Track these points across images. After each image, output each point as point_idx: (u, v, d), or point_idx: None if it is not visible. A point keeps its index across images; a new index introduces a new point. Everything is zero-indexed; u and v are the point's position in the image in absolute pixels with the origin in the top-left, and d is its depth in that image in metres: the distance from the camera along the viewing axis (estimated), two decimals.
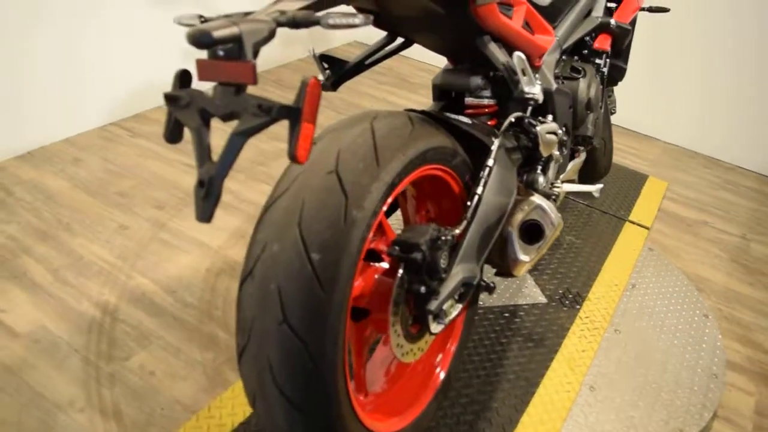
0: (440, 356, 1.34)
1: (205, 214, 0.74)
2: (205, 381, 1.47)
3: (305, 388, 0.89)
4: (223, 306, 1.69)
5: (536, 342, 1.65)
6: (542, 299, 1.81)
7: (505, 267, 1.28)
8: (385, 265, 1.12)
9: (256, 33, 0.74)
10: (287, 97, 2.98)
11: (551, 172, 1.43)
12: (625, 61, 1.82)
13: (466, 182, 1.22)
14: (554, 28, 1.46)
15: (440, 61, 3.42)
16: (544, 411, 1.46)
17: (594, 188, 1.44)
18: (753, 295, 2.08)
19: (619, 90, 2.72)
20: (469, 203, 1.15)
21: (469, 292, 1.14)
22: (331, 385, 0.91)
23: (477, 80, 1.29)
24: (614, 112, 2.13)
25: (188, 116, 0.77)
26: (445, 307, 1.08)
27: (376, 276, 1.10)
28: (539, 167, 1.38)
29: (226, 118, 0.76)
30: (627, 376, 1.61)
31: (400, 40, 1.30)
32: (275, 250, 0.88)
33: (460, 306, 1.14)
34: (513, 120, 1.26)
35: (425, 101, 3.17)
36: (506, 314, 1.74)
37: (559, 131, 1.37)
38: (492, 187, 1.17)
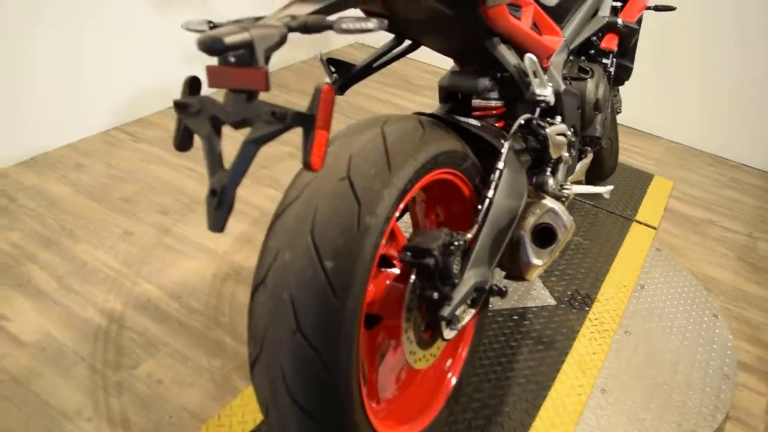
0: (451, 361, 1.32)
1: (217, 224, 0.73)
2: (213, 388, 1.46)
3: (319, 397, 0.88)
4: (229, 312, 1.68)
5: (546, 345, 1.64)
6: (551, 301, 1.80)
7: (517, 271, 1.26)
8: (396, 270, 1.11)
9: (268, 38, 0.73)
10: (290, 100, 2.97)
11: (560, 174, 1.42)
12: (632, 61, 1.81)
13: (476, 185, 1.21)
14: (561, 28, 1.45)
15: (444, 63, 3.40)
16: (556, 414, 1.45)
17: (604, 189, 1.43)
18: (761, 294, 2.07)
19: (622, 88, 2.71)
20: (479, 207, 1.14)
21: (482, 296, 1.13)
22: (345, 393, 0.90)
23: (484, 82, 1.27)
24: (620, 112, 2.11)
25: (199, 124, 0.76)
26: (457, 312, 1.07)
27: (387, 282, 1.09)
28: (549, 169, 1.37)
29: (237, 125, 0.75)
30: (638, 378, 1.60)
31: (407, 42, 1.28)
32: (287, 259, 0.87)
33: (472, 311, 1.13)
34: (522, 122, 1.25)
35: (429, 103, 3.15)
36: (515, 317, 1.72)
37: (568, 132, 1.36)
38: (503, 190, 1.16)
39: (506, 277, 1.38)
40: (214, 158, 0.75)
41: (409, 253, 1.03)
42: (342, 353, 0.87)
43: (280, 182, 2.31)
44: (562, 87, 1.38)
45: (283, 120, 0.70)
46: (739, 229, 2.44)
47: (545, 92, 1.15)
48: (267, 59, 0.73)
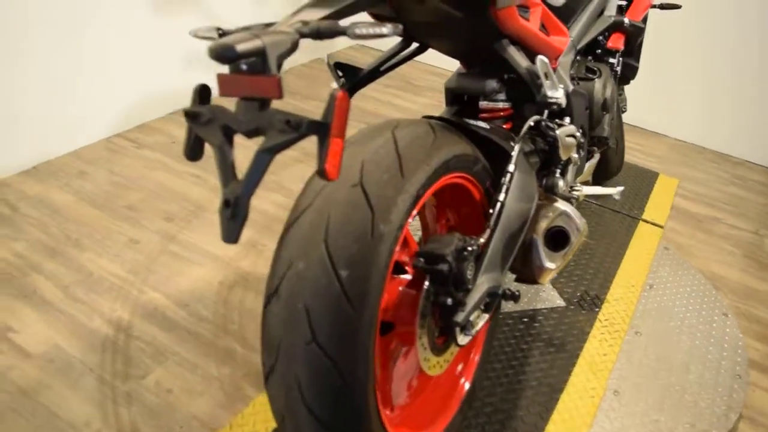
0: (464, 366, 1.31)
1: (232, 235, 0.72)
2: (223, 397, 1.44)
3: (335, 407, 0.87)
4: (238, 319, 1.67)
5: (557, 347, 1.63)
6: (560, 303, 1.79)
7: (530, 275, 1.25)
8: (408, 276, 1.09)
9: (280, 45, 0.72)
10: (293, 103, 2.96)
11: (570, 175, 1.41)
12: (637, 60, 1.80)
13: (487, 189, 1.20)
14: (568, 28, 1.44)
15: (445, 64, 3.39)
16: (569, 417, 1.44)
17: (615, 191, 1.42)
18: None
19: (625, 86, 2.70)
20: (491, 211, 1.12)
21: (495, 301, 1.12)
22: (362, 402, 0.89)
23: (492, 84, 1.26)
24: (625, 111, 2.11)
25: (210, 133, 0.75)
26: (471, 318, 1.06)
27: (400, 288, 1.08)
28: (558, 170, 1.36)
29: (250, 134, 0.74)
30: (650, 379, 1.59)
31: (414, 45, 1.27)
32: (301, 268, 0.86)
33: (486, 316, 1.12)
34: (532, 124, 1.23)
35: (430, 104, 3.14)
36: (525, 319, 1.71)
37: (577, 133, 1.35)
38: (514, 193, 1.15)
39: (517, 280, 1.37)
40: (226, 168, 0.74)
41: (422, 259, 1.02)
42: (358, 362, 0.86)
43: (287, 187, 2.30)
44: (571, 88, 1.37)
45: (297, 129, 0.69)
46: (745, 227, 2.43)
47: (557, 94, 1.14)
48: (279, 66, 0.72)
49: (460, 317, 1.03)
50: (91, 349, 1.53)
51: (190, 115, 0.75)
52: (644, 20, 1.72)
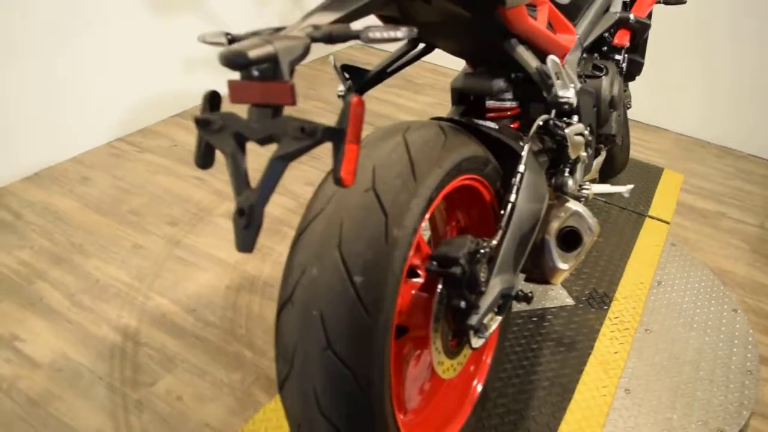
0: (476, 368, 1.30)
1: (246, 244, 0.71)
2: (234, 403, 1.43)
3: (352, 415, 0.86)
4: (246, 323, 1.66)
5: (567, 346, 1.62)
6: (570, 301, 1.78)
7: (543, 275, 1.24)
8: (420, 279, 1.09)
9: (292, 51, 0.71)
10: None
11: (579, 174, 1.40)
12: (643, 56, 1.79)
13: (497, 190, 1.19)
14: (575, 25, 1.43)
15: (445, 61, 3.38)
16: (582, 417, 1.43)
17: (624, 189, 1.41)
18: None
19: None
20: (502, 212, 1.11)
21: (508, 303, 1.11)
22: (378, 409, 0.88)
23: (499, 83, 1.25)
24: (630, 107, 2.09)
25: (222, 141, 0.74)
26: (485, 321, 1.05)
27: (413, 292, 1.07)
28: (567, 169, 1.35)
29: (263, 141, 0.72)
30: (662, 377, 1.58)
31: (421, 45, 1.26)
32: (315, 274, 0.85)
33: (499, 318, 1.11)
34: (541, 123, 1.22)
35: (431, 102, 3.13)
36: (534, 318, 1.70)
37: (586, 132, 1.34)
38: (525, 193, 1.14)
39: (527, 280, 1.36)
40: (239, 176, 0.72)
41: (435, 263, 1.01)
42: (374, 369, 0.85)
43: (291, 190, 2.29)
44: (578, 86, 1.36)
45: (312, 136, 0.68)
46: (751, 221, 2.42)
47: (568, 94, 1.13)
48: (291, 72, 0.71)
49: (474, 320, 1.03)
50: (99, 358, 1.53)
51: (200, 123, 0.74)
52: (649, 16, 1.71)
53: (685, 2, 1.82)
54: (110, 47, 2.41)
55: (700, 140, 3.05)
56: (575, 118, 1.36)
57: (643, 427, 1.44)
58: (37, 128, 2.25)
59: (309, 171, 2.42)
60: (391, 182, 0.88)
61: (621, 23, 1.60)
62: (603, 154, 1.71)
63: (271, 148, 0.71)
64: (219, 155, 0.75)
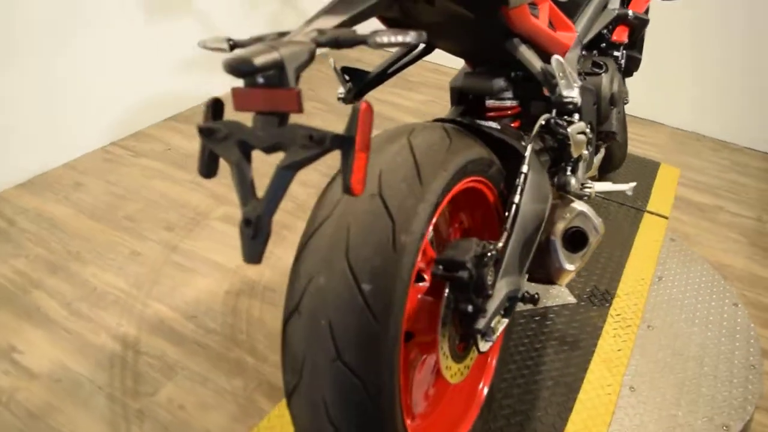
0: (482, 371, 1.29)
1: (254, 255, 0.69)
2: (236, 410, 1.42)
3: (363, 425, 0.85)
4: (246, 329, 1.64)
5: (571, 344, 1.61)
6: (571, 299, 1.77)
7: (548, 276, 1.23)
8: (425, 283, 1.07)
9: (298, 57, 0.69)
10: None
11: (581, 172, 1.39)
12: (640, 51, 1.78)
13: (501, 191, 1.18)
14: (574, 23, 1.42)
15: (438, 59, 3.36)
16: (588, 417, 1.43)
17: (627, 186, 1.40)
18: None
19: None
20: (506, 213, 1.10)
21: (514, 305, 1.10)
22: (389, 417, 0.87)
23: (500, 82, 1.24)
24: (627, 102, 2.08)
25: (227, 150, 0.72)
26: (492, 324, 1.04)
27: (419, 296, 1.05)
28: (569, 168, 1.34)
29: (269, 150, 0.71)
30: (665, 374, 1.58)
31: (421, 46, 1.25)
32: (322, 283, 0.83)
33: (506, 321, 1.10)
34: (543, 122, 1.21)
35: (426, 100, 3.12)
36: (537, 317, 1.70)
37: (587, 130, 1.33)
38: (529, 194, 1.12)
39: (531, 280, 1.35)
40: (245, 186, 0.71)
41: (441, 267, 0.99)
42: (384, 377, 0.84)
43: (289, 193, 2.26)
44: (579, 83, 1.35)
45: (321, 144, 0.66)
46: (748, 214, 2.42)
47: (573, 94, 1.12)
48: (297, 79, 0.69)
49: (481, 324, 1.01)
50: (99, 367, 1.50)
51: (204, 132, 0.72)
52: (646, 12, 1.70)
53: None
54: (102, 51, 2.38)
55: (695, 134, 3.05)
56: (576, 116, 1.35)
57: (649, 424, 1.44)
58: (29, 134, 2.21)
59: (307, 173, 2.40)
60: (397, 187, 0.87)
61: (619, 20, 1.59)
62: (602, 151, 1.71)
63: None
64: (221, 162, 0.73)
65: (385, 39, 0.69)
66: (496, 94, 1.27)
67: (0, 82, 2.07)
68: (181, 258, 1.90)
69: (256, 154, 0.71)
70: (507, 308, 1.09)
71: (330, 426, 0.85)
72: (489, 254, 1.02)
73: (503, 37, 1.10)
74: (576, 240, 1.20)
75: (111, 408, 1.40)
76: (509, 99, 1.29)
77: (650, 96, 3.07)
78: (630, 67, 1.80)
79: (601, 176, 2.25)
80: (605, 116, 1.49)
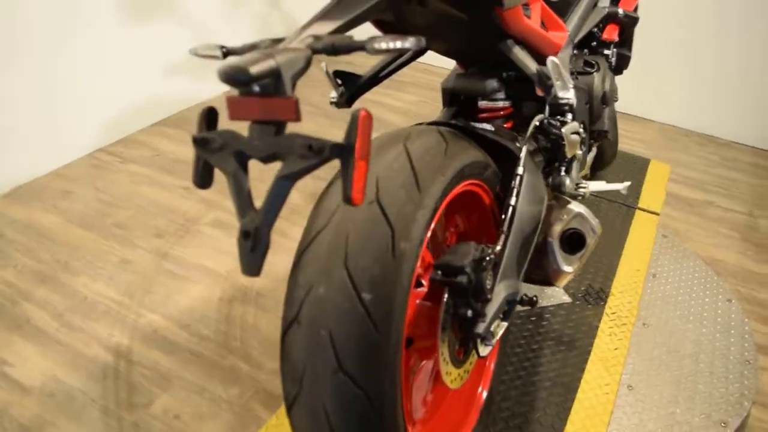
0: (480, 375, 1.28)
1: (253, 268, 0.68)
2: (233, 419, 1.40)
3: None
4: (240, 335, 1.62)
5: (567, 344, 1.61)
6: (566, 299, 1.77)
7: (546, 278, 1.23)
8: (423, 289, 1.06)
9: (294, 64, 0.68)
10: None
11: (575, 172, 1.39)
12: (630, 49, 1.79)
13: (497, 193, 1.17)
14: (565, 22, 1.42)
15: (427, 59, 3.36)
16: (586, 416, 1.43)
17: (621, 186, 1.40)
18: None
19: None
20: (503, 216, 1.10)
21: (513, 308, 1.10)
22: (391, 426, 0.86)
23: (492, 83, 1.24)
24: (616, 100, 2.09)
25: (222, 160, 0.70)
26: (492, 328, 1.03)
27: (417, 302, 1.04)
28: (563, 168, 1.34)
29: (267, 159, 0.69)
30: (662, 371, 1.58)
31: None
32: (322, 293, 0.82)
33: (505, 324, 1.09)
34: (537, 123, 1.21)
35: (415, 100, 3.11)
36: (533, 318, 1.69)
37: (581, 129, 1.33)
38: (525, 196, 1.12)
39: (528, 281, 1.35)
40: (242, 197, 0.69)
41: (439, 272, 0.98)
42: (386, 386, 0.83)
43: None
44: (571, 83, 1.34)
45: (320, 153, 0.65)
46: (739, 208, 2.44)
47: (568, 95, 1.11)
48: (293, 87, 0.68)
49: (481, 328, 1.01)
50: (92, 379, 1.48)
51: (199, 142, 0.71)
52: (635, 9, 1.70)
53: None
54: (85, 57, 2.35)
55: (683, 129, 3.07)
56: (569, 116, 1.35)
57: (648, 423, 1.44)
58: (15, 142, 2.18)
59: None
60: (396, 194, 0.86)
61: (610, 18, 1.59)
62: (594, 150, 1.71)
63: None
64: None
65: (383, 45, 0.68)
66: (488, 95, 1.27)
67: None
68: (172, 265, 1.87)
69: (252, 162, 0.69)
70: (506, 311, 1.09)
71: None
72: (487, 258, 1.01)
73: (497, 39, 1.10)
74: (574, 241, 1.19)
75: (105, 421, 1.38)
76: (502, 100, 1.29)
77: (640, 93, 3.08)
78: (620, 65, 1.80)
79: (593, 174, 2.25)
80: (597, 115, 1.49)
